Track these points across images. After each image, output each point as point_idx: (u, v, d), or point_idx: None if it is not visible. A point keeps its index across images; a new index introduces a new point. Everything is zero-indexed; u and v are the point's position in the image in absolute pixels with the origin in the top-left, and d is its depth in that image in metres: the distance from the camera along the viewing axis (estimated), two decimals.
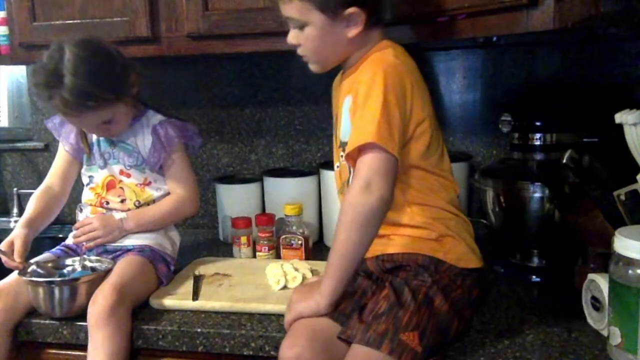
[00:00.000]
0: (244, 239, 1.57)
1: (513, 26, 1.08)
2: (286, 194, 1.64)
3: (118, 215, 1.39)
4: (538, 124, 1.34)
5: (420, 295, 1.05)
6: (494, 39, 1.38)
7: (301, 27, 1.12)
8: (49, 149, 1.98)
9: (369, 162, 1.03)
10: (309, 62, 1.18)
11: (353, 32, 1.10)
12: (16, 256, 1.29)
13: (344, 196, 1.07)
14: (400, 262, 1.11)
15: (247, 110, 1.84)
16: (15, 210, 1.97)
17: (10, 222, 1.97)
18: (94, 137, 1.43)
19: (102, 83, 1.27)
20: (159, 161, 1.40)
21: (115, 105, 1.31)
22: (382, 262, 1.14)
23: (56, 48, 1.27)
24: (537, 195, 1.30)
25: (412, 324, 1.00)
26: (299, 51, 1.16)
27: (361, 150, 1.03)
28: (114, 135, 1.40)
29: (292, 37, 1.15)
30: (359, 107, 1.06)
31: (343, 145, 1.14)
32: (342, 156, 1.16)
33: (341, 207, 1.07)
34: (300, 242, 1.50)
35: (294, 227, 1.52)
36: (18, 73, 2.02)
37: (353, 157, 1.06)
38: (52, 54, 1.27)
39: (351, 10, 1.08)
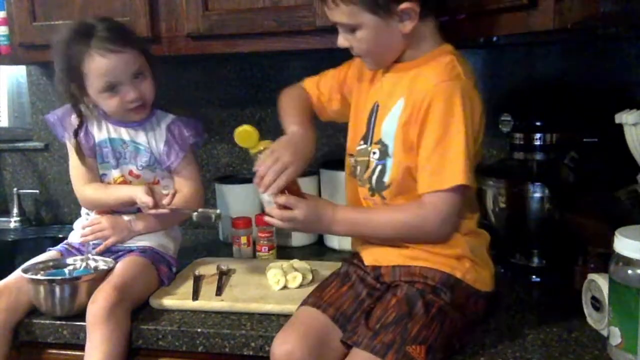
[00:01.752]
0: (244, 239, 1.57)
1: (513, 26, 1.08)
2: None
3: (126, 217, 1.39)
4: (538, 124, 1.34)
5: (434, 310, 1.04)
6: (494, 39, 1.38)
7: (352, 30, 1.08)
8: (49, 149, 1.98)
9: (447, 201, 1.04)
10: (364, 60, 1.15)
11: (408, 27, 1.06)
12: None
13: (415, 204, 1.07)
14: (417, 275, 1.10)
15: (247, 110, 1.84)
16: (15, 210, 1.97)
17: (10, 222, 1.97)
18: (105, 136, 1.41)
19: (131, 32, 1.36)
20: (177, 161, 1.40)
21: (144, 59, 1.34)
22: (399, 273, 1.12)
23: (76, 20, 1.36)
24: (537, 195, 1.30)
25: (420, 337, 0.99)
26: (354, 52, 1.13)
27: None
28: (141, 108, 1.36)
29: (343, 40, 1.11)
30: (438, 139, 1.03)
31: (381, 143, 1.12)
32: (374, 153, 1.14)
33: (408, 207, 1.09)
34: None
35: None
36: (18, 73, 2.02)
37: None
38: (73, 23, 1.34)
39: (404, 5, 1.04)
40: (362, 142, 1.19)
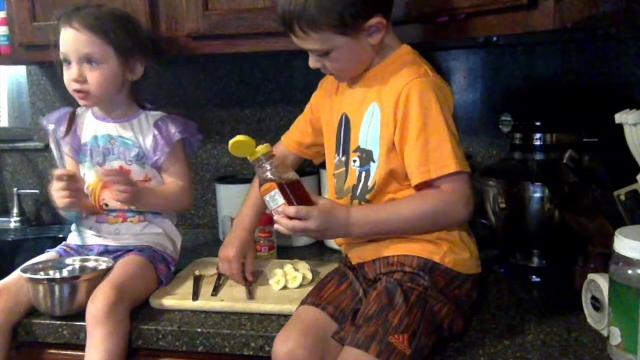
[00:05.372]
0: None
1: (513, 26, 1.08)
2: None
3: (137, 185, 1.36)
4: (538, 124, 1.34)
5: (413, 297, 1.04)
6: (494, 39, 1.38)
7: (325, 53, 1.10)
8: (49, 149, 1.98)
9: (461, 182, 1.06)
10: (335, 76, 1.18)
11: (377, 39, 1.09)
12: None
13: (430, 192, 1.07)
14: (395, 264, 1.11)
15: (247, 110, 1.84)
16: (15, 210, 1.97)
17: (10, 222, 1.97)
18: (91, 134, 1.42)
19: (116, 26, 1.33)
20: (162, 156, 1.39)
21: (110, 52, 1.32)
22: (378, 266, 1.13)
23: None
24: (537, 195, 1.30)
25: (402, 326, 0.99)
26: (325, 71, 1.15)
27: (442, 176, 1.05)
28: (85, 95, 1.34)
29: (315, 62, 1.13)
30: (418, 132, 1.05)
31: (361, 151, 1.14)
32: (354, 161, 1.16)
33: (425, 196, 1.07)
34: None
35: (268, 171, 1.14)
36: (18, 73, 2.02)
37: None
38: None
39: (373, 21, 1.06)
40: (336, 156, 1.21)
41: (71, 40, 1.32)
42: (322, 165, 1.66)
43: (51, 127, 1.37)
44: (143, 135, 1.40)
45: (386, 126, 1.10)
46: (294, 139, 1.37)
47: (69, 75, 1.34)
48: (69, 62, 1.33)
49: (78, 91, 1.34)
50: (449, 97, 1.09)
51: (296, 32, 1.08)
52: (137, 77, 1.39)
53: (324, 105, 1.27)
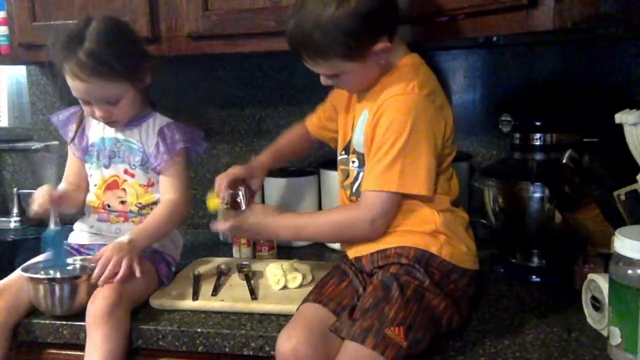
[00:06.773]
0: (244, 239, 1.58)
1: (513, 26, 1.08)
2: (286, 194, 1.64)
3: (125, 239, 1.29)
4: (538, 124, 1.34)
5: (409, 290, 1.05)
6: (494, 39, 1.38)
7: (335, 75, 1.14)
8: (49, 149, 1.98)
9: (380, 202, 1.10)
10: (347, 90, 1.23)
11: (384, 59, 1.12)
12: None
13: (350, 205, 1.18)
14: (392, 256, 1.12)
15: (247, 110, 1.84)
16: (15, 210, 1.97)
17: (10, 222, 1.97)
18: (98, 135, 1.42)
19: (119, 55, 1.28)
20: (162, 163, 1.38)
21: (125, 84, 1.31)
22: (376, 259, 1.14)
23: (83, 19, 1.31)
24: (537, 195, 1.30)
25: (398, 318, 1.00)
26: (338, 87, 1.21)
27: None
28: (113, 123, 1.37)
29: (326, 81, 1.17)
30: (377, 147, 1.09)
31: (357, 153, 1.18)
32: (353, 162, 1.20)
33: (343, 208, 1.19)
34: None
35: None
36: (18, 73, 2.02)
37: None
38: (78, 22, 1.31)
39: (378, 47, 1.09)
40: (343, 152, 1.25)
41: (85, 91, 1.30)
42: (322, 165, 1.67)
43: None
44: (149, 140, 1.40)
45: (366, 134, 1.14)
46: (314, 123, 1.44)
47: (93, 113, 1.34)
48: (88, 102, 1.33)
49: (107, 122, 1.37)
50: (430, 116, 1.10)
51: (305, 59, 1.12)
52: (148, 82, 1.38)
53: (339, 103, 1.30)
